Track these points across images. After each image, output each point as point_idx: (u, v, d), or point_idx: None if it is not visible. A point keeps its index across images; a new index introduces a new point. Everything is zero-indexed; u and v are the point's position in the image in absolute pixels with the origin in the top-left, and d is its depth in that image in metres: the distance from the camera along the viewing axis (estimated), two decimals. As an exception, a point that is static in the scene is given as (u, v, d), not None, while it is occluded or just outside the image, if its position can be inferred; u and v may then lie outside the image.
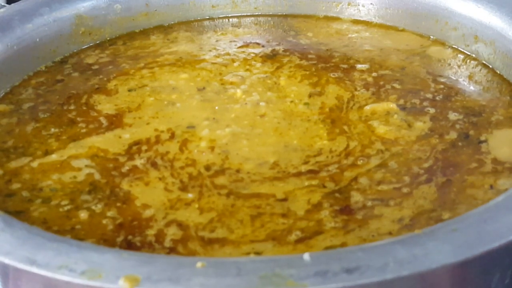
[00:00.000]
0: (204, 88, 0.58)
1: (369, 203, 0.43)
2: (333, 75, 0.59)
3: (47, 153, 0.49)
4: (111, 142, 0.50)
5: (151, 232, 0.41)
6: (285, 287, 0.31)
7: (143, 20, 0.70)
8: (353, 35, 0.67)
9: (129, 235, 0.41)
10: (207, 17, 0.73)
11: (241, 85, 0.58)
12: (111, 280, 0.31)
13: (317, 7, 0.72)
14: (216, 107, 0.55)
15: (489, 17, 0.61)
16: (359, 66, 0.61)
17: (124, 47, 0.66)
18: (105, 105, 0.55)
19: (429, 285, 0.33)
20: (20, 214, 0.43)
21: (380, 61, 0.62)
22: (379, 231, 0.41)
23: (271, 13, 0.73)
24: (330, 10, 0.72)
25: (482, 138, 0.50)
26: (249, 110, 0.54)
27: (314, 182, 0.45)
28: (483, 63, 0.61)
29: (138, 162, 0.48)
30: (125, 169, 0.47)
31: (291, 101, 0.55)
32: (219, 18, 0.73)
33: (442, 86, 0.57)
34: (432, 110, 0.53)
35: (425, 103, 0.54)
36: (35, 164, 0.48)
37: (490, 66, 0.60)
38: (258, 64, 0.61)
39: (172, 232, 0.41)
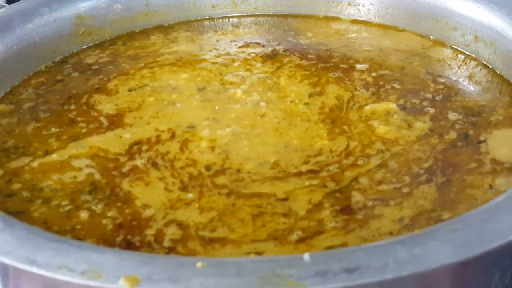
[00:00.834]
0: (204, 88, 0.58)
1: (370, 203, 0.43)
2: (333, 75, 0.59)
3: (47, 153, 0.49)
4: (111, 142, 0.50)
5: (150, 232, 0.41)
6: (285, 287, 0.31)
7: (143, 20, 0.70)
8: (352, 35, 0.67)
9: (128, 235, 0.41)
10: (207, 17, 0.73)
11: (241, 85, 0.58)
12: (111, 280, 0.31)
13: (317, 7, 0.72)
14: (217, 107, 0.55)
15: (489, 17, 0.61)
16: (359, 66, 0.61)
17: (124, 47, 0.66)
18: (106, 105, 0.55)
19: (429, 285, 0.34)
20: (20, 214, 0.43)
21: (379, 61, 0.62)
22: (380, 231, 0.41)
23: (271, 13, 0.73)
24: (330, 10, 0.72)
25: (482, 138, 0.50)
26: (249, 110, 0.54)
27: (314, 182, 0.45)
28: (483, 63, 0.61)
29: (139, 162, 0.48)
30: (125, 169, 0.47)
31: (291, 101, 0.55)
32: (219, 18, 0.73)
33: (441, 86, 0.57)
34: (432, 110, 0.53)
35: (425, 103, 0.54)
36: (35, 164, 0.48)
37: (490, 66, 0.60)
38: (258, 64, 0.61)
39: (172, 232, 0.41)
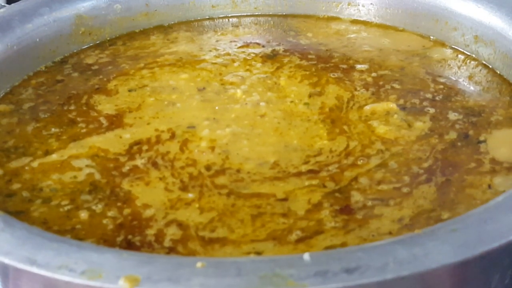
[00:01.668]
0: (204, 88, 0.58)
1: (369, 203, 0.43)
2: (333, 75, 0.59)
3: (47, 153, 0.49)
4: (111, 142, 0.50)
5: (150, 232, 0.41)
6: (285, 287, 0.31)
7: (143, 20, 0.70)
8: (352, 35, 0.67)
9: (129, 235, 0.41)
10: (207, 17, 0.73)
11: (241, 85, 0.58)
12: (111, 280, 0.31)
13: (317, 7, 0.72)
14: (216, 107, 0.55)
15: (489, 17, 0.61)
16: (358, 66, 0.61)
17: (124, 47, 0.66)
18: (105, 105, 0.56)
19: (429, 285, 0.34)
20: (20, 214, 0.43)
21: (379, 61, 0.62)
22: (379, 231, 0.41)
23: (271, 13, 0.73)
24: (330, 10, 0.72)
25: (482, 138, 0.50)
26: (249, 110, 0.54)
27: (314, 182, 0.45)
28: (483, 63, 0.61)
29: (139, 162, 0.48)
30: (125, 169, 0.47)
31: (291, 101, 0.55)
32: (219, 18, 0.73)
33: (441, 86, 0.57)
34: (432, 110, 0.53)
35: (425, 103, 0.54)
36: (35, 164, 0.48)
37: (490, 66, 0.60)
38: (258, 64, 0.61)
39: (172, 232, 0.41)
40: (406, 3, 0.68)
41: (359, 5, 0.70)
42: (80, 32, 0.66)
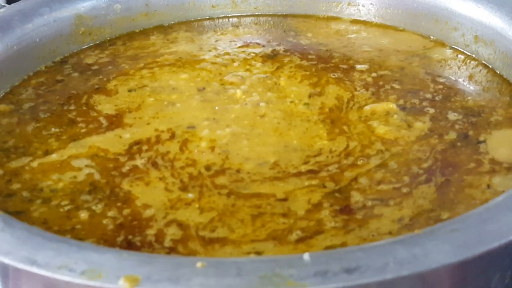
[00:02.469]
0: (204, 88, 0.58)
1: (369, 203, 0.43)
2: (333, 75, 0.59)
3: (47, 153, 0.49)
4: (111, 142, 0.50)
5: (151, 232, 0.41)
6: (285, 287, 0.31)
7: (143, 20, 0.70)
8: (352, 35, 0.68)
9: (129, 235, 0.41)
10: (207, 17, 0.73)
11: (241, 85, 0.58)
12: (111, 280, 0.31)
13: (317, 7, 0.72)
14: (216, 107, 0.55)
15: (489, 17, 0.61)
16: (358, 66, 0.61)
17: (123, 47, 0.66)
18: (105, 105, 0.56)
19: (429, 285, 0.34)
20: (20, 214, 0.43)
21: (379, 61, 0.62)
22: (379, 231, 0.41)
23: (271, 13, 0.73)
24: (330, 10, 0.72)
25: (481, 138, 0.50)
26: (249, 110, 0.54)
27: (314, 182, 0.45)
28: (483, 63, 0.61)
29: (139, 162, 0.48)
30: (125, 169, 0.47)
31: (291, 101, 0.55)
32: (219, 18, 0.73)
33: (441, 87, 0.57)
34: (431, 110, 0.53)
35: (424, 103, 0.54)
36: (35, 164, 0.48)
37: (490, 66, 0.60)
38: (258, 64, 0.61)
39: (172, 232, 0.41)
40: (406, 3, 0.68)
41: (359, 5, 0.70)
42: (80, 32, 0.66)
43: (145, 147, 0.50)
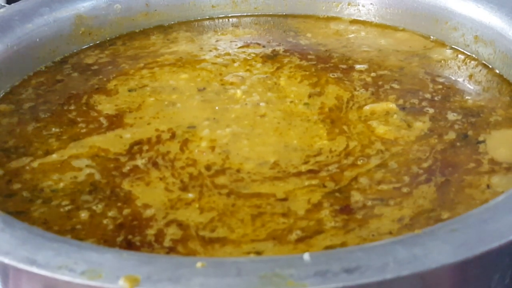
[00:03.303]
0: (204, 88, 0.58)
1: (369, 203, 0.43)
2: (332, 75, 0.59)
3: (47, 153, 0.49)
4: (112, 142, 0.50)
5: (151, 232, 0.41)
6: (285, 287, 0.31)
7: (143, 20, 0.70)
8: (352, 36, 0.68)
9: (129, 235, 0.41)
10: (207, 17, 0.73)
11: (241, 85, 0.58)
12: (111, 280, 0.31)
13: (317, 7, 0.72)
14: (217, 107, 0.55)
15: (489, 17, 0.61)
16: (358, 66, 0.61)
17: (123, 47, 0.66)
18: (105, 105, 0.56)
19: (429, 285, 0.34)
20: (20, 214, 0.43)
21: (379, 61, 0.62)
22: (379, 231, 0.41)
23: (271, 13, 0.73)
24: (330, 10, 0.72)
25: (481, 138, 0.50)
26: (249, 110, 0.54)
27: (314, 182, 0.45)
28: (483, 63, 0.61)
29: (139, 162, 0.48)
30: (126, 169, 0.47)
31: (291, 101, 0.55)
32: (219, 18, 0.73)
33: (441, 86, 0.57)
34: (431, 110, 0.53)
35: (424, 103, 0.54)
36: (35, 164, 0.48)
37: (490, 66, 0.60)
38: (258, 65, 0.61)
39: (172, 232, 0.41)
40: (406, 3, 0.68)
41: (359, 5, 0.70)
42: (80, 32, 0.66)
43: (145, 147, 0.50)
